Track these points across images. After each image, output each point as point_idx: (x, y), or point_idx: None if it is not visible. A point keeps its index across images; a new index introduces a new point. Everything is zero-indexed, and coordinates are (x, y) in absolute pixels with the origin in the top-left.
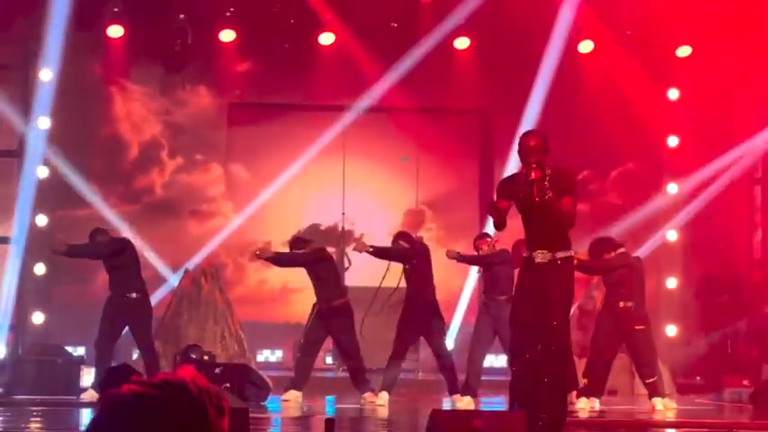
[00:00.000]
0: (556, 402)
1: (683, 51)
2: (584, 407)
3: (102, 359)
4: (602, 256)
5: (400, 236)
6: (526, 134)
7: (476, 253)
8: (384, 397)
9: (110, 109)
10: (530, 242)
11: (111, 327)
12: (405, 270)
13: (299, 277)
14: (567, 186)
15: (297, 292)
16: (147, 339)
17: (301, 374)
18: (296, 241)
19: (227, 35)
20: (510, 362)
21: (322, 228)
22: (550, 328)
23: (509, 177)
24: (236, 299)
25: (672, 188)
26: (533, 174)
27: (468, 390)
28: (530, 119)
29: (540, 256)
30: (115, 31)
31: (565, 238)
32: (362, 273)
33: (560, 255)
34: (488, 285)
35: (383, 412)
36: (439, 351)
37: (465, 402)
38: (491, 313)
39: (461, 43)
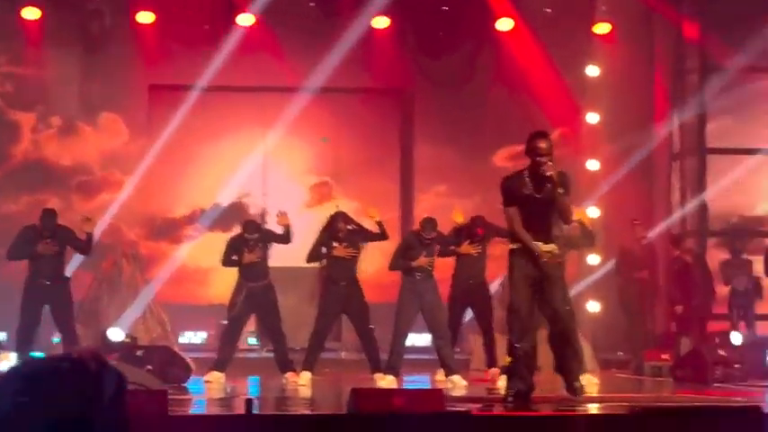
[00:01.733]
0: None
1: (602, 28)
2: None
3: (23, 344)
4: None
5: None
6: (539, 135)
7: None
8: (306, 376)
9: (25, 93)
10: (532, 235)
11: (32, 312)
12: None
13: (213, 258)
14: (568, 188)
15: (214, 272)
16: (69, 324)
17: (224, 355)
18: (248, 225)
19: (145, 17)
20: (512, 344)
21: (242, 206)
22: (562, 314)
23: (512, 176)
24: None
25: (592, 164)
26: (550, 171)
27: (391, 369)
28: (450, 98)
29: (552, 249)
30: (31, 13)
31: (553, 233)
32: (284, 253)
33: (558, 249)
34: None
35: (305, 392)
36: (361, 330)
37: (387, 381)
38: (416, 291)
39: (380, 23)
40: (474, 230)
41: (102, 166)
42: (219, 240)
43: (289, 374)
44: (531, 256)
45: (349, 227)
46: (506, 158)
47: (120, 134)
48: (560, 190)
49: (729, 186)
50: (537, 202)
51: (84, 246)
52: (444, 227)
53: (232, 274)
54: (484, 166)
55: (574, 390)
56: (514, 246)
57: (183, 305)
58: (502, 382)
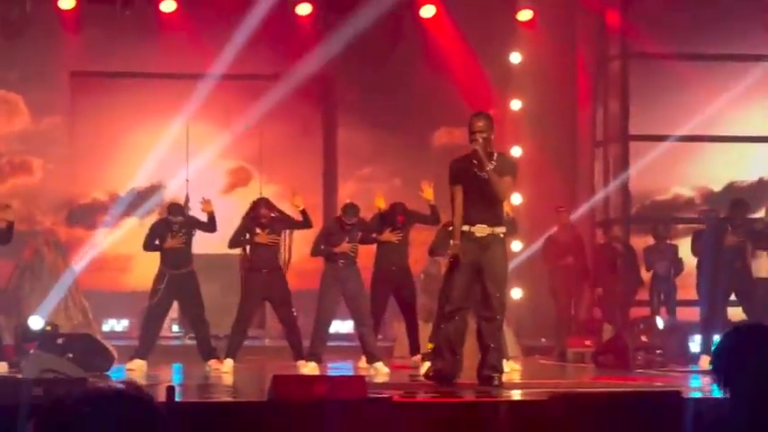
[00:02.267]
0: (501, 363)
1: (524, 15)
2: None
3: None
4: None
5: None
6: (476, 114)
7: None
8: (229, 364)
9: None
10: (469, 216)
11: None
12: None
13: (134, 244)
14: (508, 170)
15: (135, 259)
16: None
17: (146, 343)
18: (173, 208)
19: (66, 3)
20: (440, 320)
21: (165, 193)
22: (493, 300)
23: (460, 157)
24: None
25: (515, 151)
26: (476, 146)
27: (313, 356)
28: (372, 84)
29: (480, 230)
30: None
31: (500, 215)
32: (206, 240)
33: (498, 230)
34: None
35: (228, 379)
36: (284, 317)
37: (310, 368)
38: (339, 278)
39: (303, 9)
40: (395, 218)
41: (11, 150)
42: (140, 227)
43: (212, 362)
44: (474, 241)
45: (272, 214)
46: (429, 142)
47: (22, 115)
48: (490, 166)
49: (646, 171)
50: (481, 182)
51: (4, 235)
52: (367, 212)
53: (154, 261)
54: (405, 150)
55: (488, 380)
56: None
57: (105, 293)
58: (425, 369)
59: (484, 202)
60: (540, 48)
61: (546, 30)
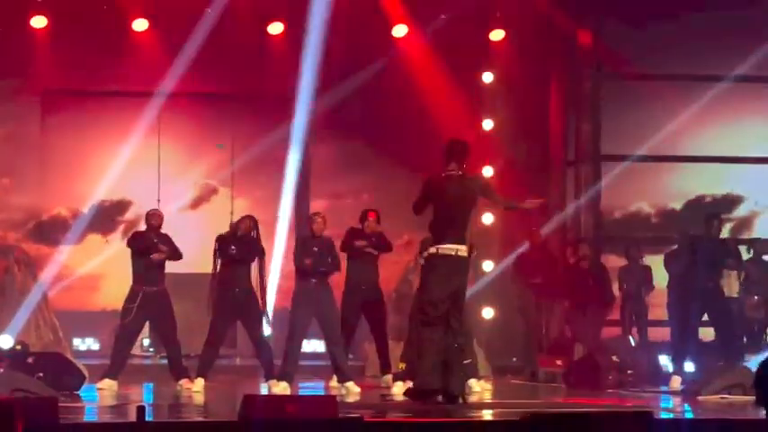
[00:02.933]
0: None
1: (497, 35)
2: (400, 391)
3: None
4: None
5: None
6: (451, 140)
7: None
8: (200, 383)
9: None
10: (445, 236)
11: None
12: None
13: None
14: (484, 188)
15: (104, 278)
16: None
17: (117, 362)
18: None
19: (38, 21)
20: (419, 330)
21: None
22: (461, 316)
23: (431, 176)
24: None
25: (486, 171)
26: (451, 172)
27: (285, 375)
28: (345, 102)
29: (461, 251)
30: None
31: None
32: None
33: (469, 251)
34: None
35: (199, 398)
36: (256, 337)
37: (281, 387)
38: (310, 297)
39: (275, 29)
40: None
41: None
42: (105, 244)
43: (183, 381)
44: (453, 265)
45: (251, 233)
46: (400, 159)
47: None
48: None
49: (611, 188)
50: (450, 203)
51: None
52: (336, 228)
53: (122, 279)
54: (376, 168)
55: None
56: (436, 250)
57: (76, 312)
58: (396, 389)
59: (452, 222)
60: (512, 67)
61: (518, 49)
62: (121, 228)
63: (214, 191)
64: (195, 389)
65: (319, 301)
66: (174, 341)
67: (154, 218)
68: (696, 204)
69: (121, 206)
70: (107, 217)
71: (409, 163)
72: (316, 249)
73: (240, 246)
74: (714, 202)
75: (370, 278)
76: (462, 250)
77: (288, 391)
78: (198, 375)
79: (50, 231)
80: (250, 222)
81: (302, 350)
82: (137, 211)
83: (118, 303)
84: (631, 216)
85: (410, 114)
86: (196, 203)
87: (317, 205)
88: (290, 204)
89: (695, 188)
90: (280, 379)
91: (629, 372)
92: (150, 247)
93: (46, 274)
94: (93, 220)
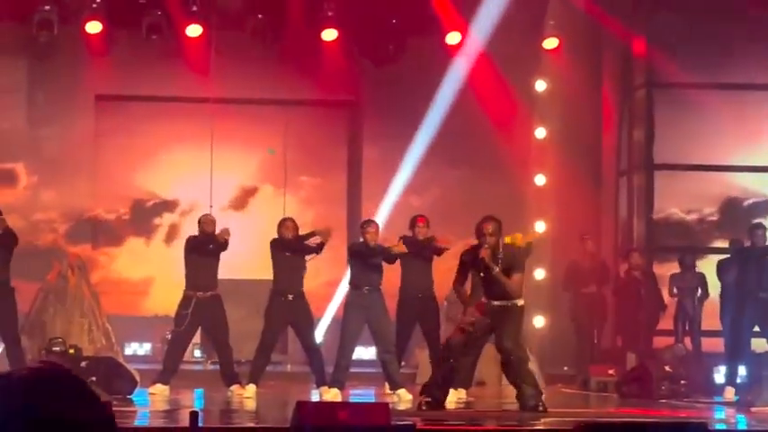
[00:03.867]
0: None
1: (550, 43)
2: (452, 398)
3: None
4: None
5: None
6: (485, 220)
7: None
8: (251, 389)
9: None
10: (488, 294)
11: None
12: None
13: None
14: (516, 265)
15: (153, 282)
16: (13, 334)
17: (169, 368)
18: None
19: (93, 26)
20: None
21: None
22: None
23: (470, 248)
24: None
25: (539, 179)
26: (483, 253)
27: (336, 382)
28: (399, 110)
29: (498, 303)
30: None
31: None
32: (232, 265)
33: (511, 302)
34: (361, 277)
35: (251, 404)
36: (307, 343)
37: (332, 394)
38: (362, 305)
39: (329, 35)
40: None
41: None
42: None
43: (234, 387)
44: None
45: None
46: (453, 166)
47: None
48: (497, 268)
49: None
50: (490, 277)
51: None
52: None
53: (170, 284)
54: (434, 176)
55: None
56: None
57: (128, 317)
58: (451, 397)
59: (495, 287)
60: (565, 76)
61: (571, 58)
62: (164, 230)
63: (266, 196)
64: (246, 395)
65: (371, 310)
66: (227, 347)
67: (207, 224)
68: (733, 209)
69: (168, 207)
70: (154, 216)
71: (462, 168)
72: (371, 260)
73: (293, 249)
74: (753, 207)
75: (424, 285)
76: None
77: (339, 398)
78: (249, 381)
79: (96, 233)
80: (293, 224)
81: (354, 357)
82: (188, 214)
83: (168, 308)
84: (674, 223)
85: (463, 121)
86: (248, 208)
87: (369, 207)
88: (344, 213)
89: (733, 192)
90: (331, 386)
91: (681, 382)
92: (208, 242)
93: (94, 278)
94: (137, 221)
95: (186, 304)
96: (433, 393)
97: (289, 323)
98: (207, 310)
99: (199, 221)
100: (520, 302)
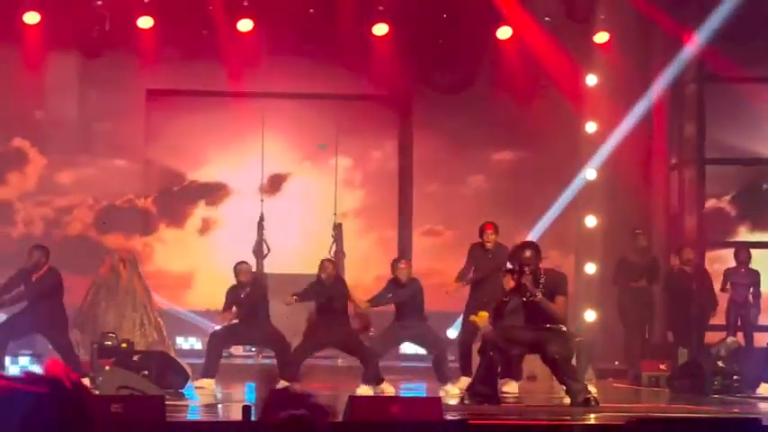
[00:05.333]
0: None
1: (601, 37)
2: (505, 389)
3: None
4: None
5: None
6: (522, 246)
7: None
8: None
9: (28, 95)
10: (528, 320)
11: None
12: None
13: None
14: (559, 290)
15: (196, 274)
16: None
17: (212, 362)
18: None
19: (145, 21)
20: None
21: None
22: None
23: (506, 271)
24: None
25: (590, 174)
26: (525, 280)
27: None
28: (449, 104)
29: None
30: (31, 18)
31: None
32: (281, 260)
33: (556, 327)
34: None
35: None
36: (357, 352)
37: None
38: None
39: (380, 30)
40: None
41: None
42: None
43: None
44: None
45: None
46: (502, 161)
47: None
48: (539, 295)
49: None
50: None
51: None
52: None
53: (214, 277)
54: (483, 170)
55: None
56: None
57: (181, 310)
58: (507, 388)
59: (536, 315)
60: (615, 70)
61: (622, 52)
62: (216, 225)
63: (316, 192)
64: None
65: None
66: (281, 341)
67: (242, 273)
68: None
69: (219, 202)
70: (204, 211)
71: (512, 163)
72: (401, 291)
73: (327, 293)
74: None
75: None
76: None
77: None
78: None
79: (147, 226)
80: (332, 267)
81: (405, 352)
82: (239, 210)
83: (216, 303)
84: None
85: (513, 115)
86: (298, 204)
87: (420, 201)
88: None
89: None
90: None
91: (734, 377)
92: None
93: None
94: (187, 216)
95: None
96: (479, 390)
97: (328, 342)
98: (254, 332)
99: (234, 271)
100: (563, 329)
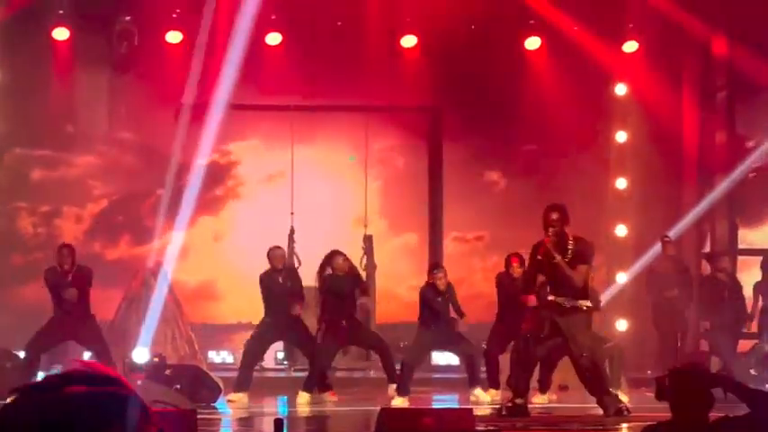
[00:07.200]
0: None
1: (630, 46)
2: (536, 400)
3: (31, 363)
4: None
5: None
6: (550, 207)
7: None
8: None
9: (56, 110)
10: (554, 290)
11: (50, 340)
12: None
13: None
14: (583, 257)
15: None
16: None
17: (245, 375)
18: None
19: (173, 36)
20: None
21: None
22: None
23: (536, 244)
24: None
25: (620, 182)
26: (546, 240)
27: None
28: (478, 115)
29: (563, 301)
30: (60, 34)
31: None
32: (312, 272)
33: (581, 303)
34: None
35: (333, 410)
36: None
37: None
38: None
39: (408, 41)
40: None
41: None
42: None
43: (326, 393)
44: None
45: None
46: (532, 171)
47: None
48: (558, 256)
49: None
50: (548, 264)
51: None
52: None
53: (243, 291)
54: (514, 180)
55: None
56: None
57: (212, 324)
58: (538, 399)
59: (560, 280)
60: (645, 79)
61: (652, 61)
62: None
63: (347, 203)
64: (300, 401)
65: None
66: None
67: (276, 259)
68: None
69: (250, 215)
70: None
71: (541, 172)
72: (440, 300)
73: (340, 285)
74: None
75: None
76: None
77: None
78: (304, 390)
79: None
80: (345, 262)
81: (437, 363)
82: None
83: (248, 316)
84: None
85: (542, 126)
86: (328, 216)
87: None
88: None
89: None
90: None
91: (767, 385)
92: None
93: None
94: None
95: (265, 326)
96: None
97: (347, 345)
98: (286, 330)
99: (268, 255)
100: (585, 304)
